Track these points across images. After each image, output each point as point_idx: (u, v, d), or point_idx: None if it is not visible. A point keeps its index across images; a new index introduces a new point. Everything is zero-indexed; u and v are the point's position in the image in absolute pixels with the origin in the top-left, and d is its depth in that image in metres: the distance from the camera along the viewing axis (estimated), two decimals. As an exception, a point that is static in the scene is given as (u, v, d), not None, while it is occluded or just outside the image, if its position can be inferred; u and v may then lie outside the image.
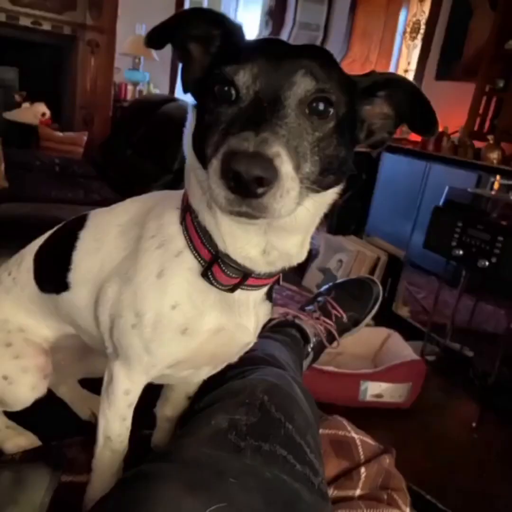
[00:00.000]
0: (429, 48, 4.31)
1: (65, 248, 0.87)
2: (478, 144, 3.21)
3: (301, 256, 0.72)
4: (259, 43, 0.65)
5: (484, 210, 2.64)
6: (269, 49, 0.62)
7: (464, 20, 3.97)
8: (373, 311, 1.46)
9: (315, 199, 0.62)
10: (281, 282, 0.79)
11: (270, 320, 1.23)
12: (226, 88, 0.59)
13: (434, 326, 2.84)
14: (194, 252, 0.71)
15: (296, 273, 3.63)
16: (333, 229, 3.67)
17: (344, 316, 1.40)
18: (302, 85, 0.58)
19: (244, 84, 0.58)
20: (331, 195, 0.68)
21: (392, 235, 3.46)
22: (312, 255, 3.61)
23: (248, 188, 0.51)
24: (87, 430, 0.93)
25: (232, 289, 0.72)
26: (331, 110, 0.60)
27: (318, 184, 0.60)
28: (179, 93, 5.55)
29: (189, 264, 0.71)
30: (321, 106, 0.59)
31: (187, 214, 0.72)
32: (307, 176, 0.58)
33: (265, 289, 0.78)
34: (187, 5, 5.78)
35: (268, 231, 0.67)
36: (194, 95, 0.69)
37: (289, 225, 0.65)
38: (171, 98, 3.97)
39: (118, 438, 0.82)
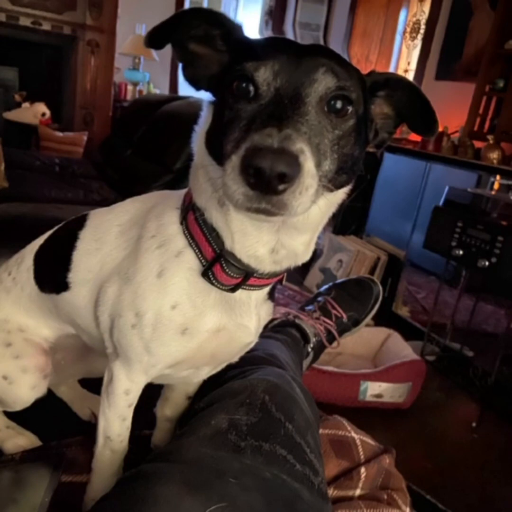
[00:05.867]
0: (429, 48, 4.31)
1: (65, 248, 0.87)
2: (478, 144, 3.21)
3: (306, 256, 0.73)
4: (273, 41, 0.65)
5: (484, 210, 2.64)
6: (286, 46, 0.62)
7: (464, 20, 3.97)
8: (373, 311, 1.46)
9: (328, 198, 0.63)
10: (284, 282, 0.79)
11: (272, 320, 1.23)
12: (244, 85, 0.59)
13: (434, 326, 2.84)
14: (196, 250, 0.71)
15: (299, 273, 3.64)
16: (337, 229, 3.68)
17: (344, 316, 1.40)
18: (324, 82, 0.58)
19: (264, 81, 0.58)
20: (341, 194, 0.69)
21: (392, 235, 3.46)
22: (316, 255, 3.61)
23: (269, 185, 0.51)
24: (87, 430, 0.93)
25: (232, 289, 0.72)
26: (350, 108, 0.60)
27: (333, 182, 0.61)
28: (183, 91, 5.55)
29: (189, 263, 0.71)
30: (339, 104, 0.59)
31: (189, 213, 0.72)
32: (325, 174, 0.58)
33: (267, 289, 0.78)
34: (187, 5, 5.78)
35: (281, 229, 0.67)
36: (211, 91, 0.69)
37: (301, 224, 0.66)
38: (171, 98, 3.96)
39: (118, 438, 0.82)
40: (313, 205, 0.57)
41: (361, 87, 0.63)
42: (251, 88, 0.59)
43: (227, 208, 0.66)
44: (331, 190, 0.62)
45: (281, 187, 0.51)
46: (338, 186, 0.64)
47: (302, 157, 0.52)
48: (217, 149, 0.62)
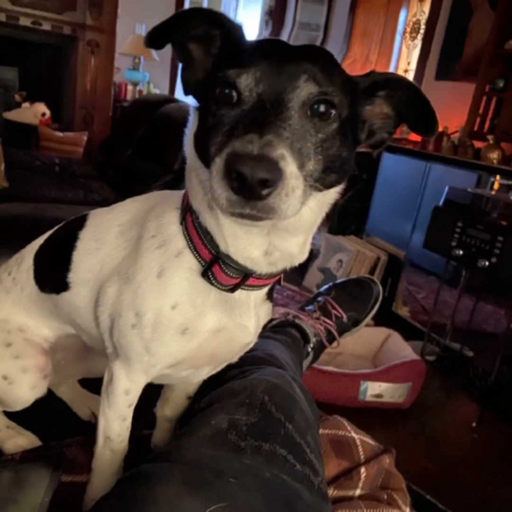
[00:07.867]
0: (429, 48, 4.31)
1: (65, 248, 0.87)
2: (478, 144, 3.21)
3: (303, 257, 0.72)
4: (260, 45, 0.65)
5: (484, 210, 2.64)
6: (271, 51, 0.62)
7: (464, 20, 3.97)
8: (373, 311, 1.46)
9: (318, 198, 0.62)
10: (282, 282, 0.79)
11: (271, 320, 1.23)
12: (227, 91, 0.59)
13: (434, 326, 2.84)
14: (194, 252, 0.71)
15: (297, 273, 3.64)
16: (333, 229, 3.68)
17: (344, 316, 1.40)
18: (305, 89, 0.58)
19: (246, 87, 0.58)
20: (333, 194, 0.68)
21: (392, 235, 3.46)
22: (313, 255, 3.61)
23: (252, 190, 0.51)
24: (87, 430, 0.93)
25: (232, 289, 0.72)
26: (333, 112, 0.60)
27: (321, 182, 0.61)
28: (179, 94, 5.56)
29: (189, 264, 0.72)
30: (322, 108, 0.59)
31: (188, 214, 0.72)
32: (310, 173, 0.58)
33: (266, 289, 0.78)
34: (187, 5, 5.78)
35: (271, 232, 0.67)
36: (196, 96, 0.69)
37: (292, 226, 0.66)
38: (171, 98, 3.97)
39: (118, 438, 0.82)
40: (303, 206, 0.57)
41: (348, 90, 0.63)
42: (234, 93, 0.59)
43: (216, 211, 0.66)
44: (320, 190, 0.62)
45: (264, 192, 0.51)
46: (328, 186, 0.64)
47: (282, 163, 0.52)
48: (204, 152, 0.62)
